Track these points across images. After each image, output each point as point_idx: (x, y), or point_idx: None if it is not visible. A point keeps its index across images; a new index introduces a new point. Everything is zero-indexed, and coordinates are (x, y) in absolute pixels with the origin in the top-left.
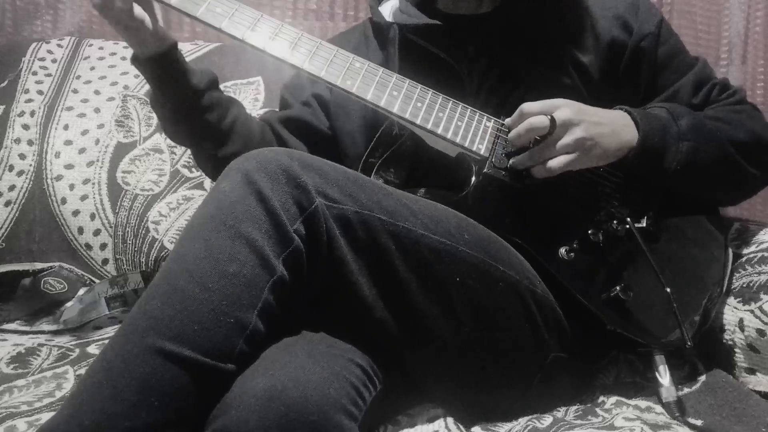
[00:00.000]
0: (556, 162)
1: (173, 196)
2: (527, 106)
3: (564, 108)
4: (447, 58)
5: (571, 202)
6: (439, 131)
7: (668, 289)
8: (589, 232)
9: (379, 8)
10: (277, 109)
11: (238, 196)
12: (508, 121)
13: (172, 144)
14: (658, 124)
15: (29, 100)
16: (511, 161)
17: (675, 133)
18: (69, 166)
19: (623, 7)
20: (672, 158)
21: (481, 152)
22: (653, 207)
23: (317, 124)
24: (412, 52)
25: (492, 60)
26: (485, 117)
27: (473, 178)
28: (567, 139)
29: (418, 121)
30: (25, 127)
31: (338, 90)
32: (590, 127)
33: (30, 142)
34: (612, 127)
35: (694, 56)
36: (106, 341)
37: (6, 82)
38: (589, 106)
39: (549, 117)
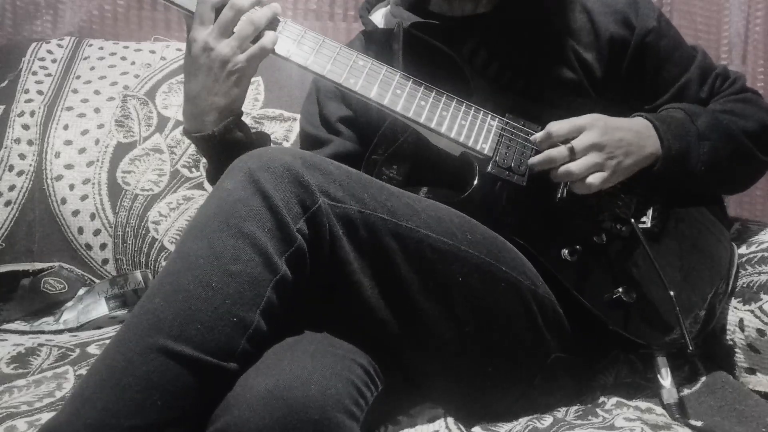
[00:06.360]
0: (594, 180)
1: (173, 196)
2: (555, 129)
3: (589, 131)
4: (449, 51)
5: (574, 203)
6: (443, 130)
7: (672, 293)
8: (592, 233)
9: (371, 17)
10: (299, 141)
11: (241, 195)
12: (535, 137)
13: (172, 144)
14: (678, 128)
15: (29, 100)
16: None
17: (695, 134)
18: (69, 166)
19: (622, 3)
20: (696, 160)
21: (485, 151)
22: (657, 206)
23: (358, 148)
24: (415, 48)
25: (492, 54)
26: (489, 116)
27: (476, 178)
28: (589, 160)
29: (421, 120)
30: (25, 127)
31: (346, 91)
32: (614, 147)
33: (30, 142)
34: (636, 141)
35: (691, 46)
36: (106, 341)
37: (6, 82)
38: (613, 122)
39: (569, 147)
